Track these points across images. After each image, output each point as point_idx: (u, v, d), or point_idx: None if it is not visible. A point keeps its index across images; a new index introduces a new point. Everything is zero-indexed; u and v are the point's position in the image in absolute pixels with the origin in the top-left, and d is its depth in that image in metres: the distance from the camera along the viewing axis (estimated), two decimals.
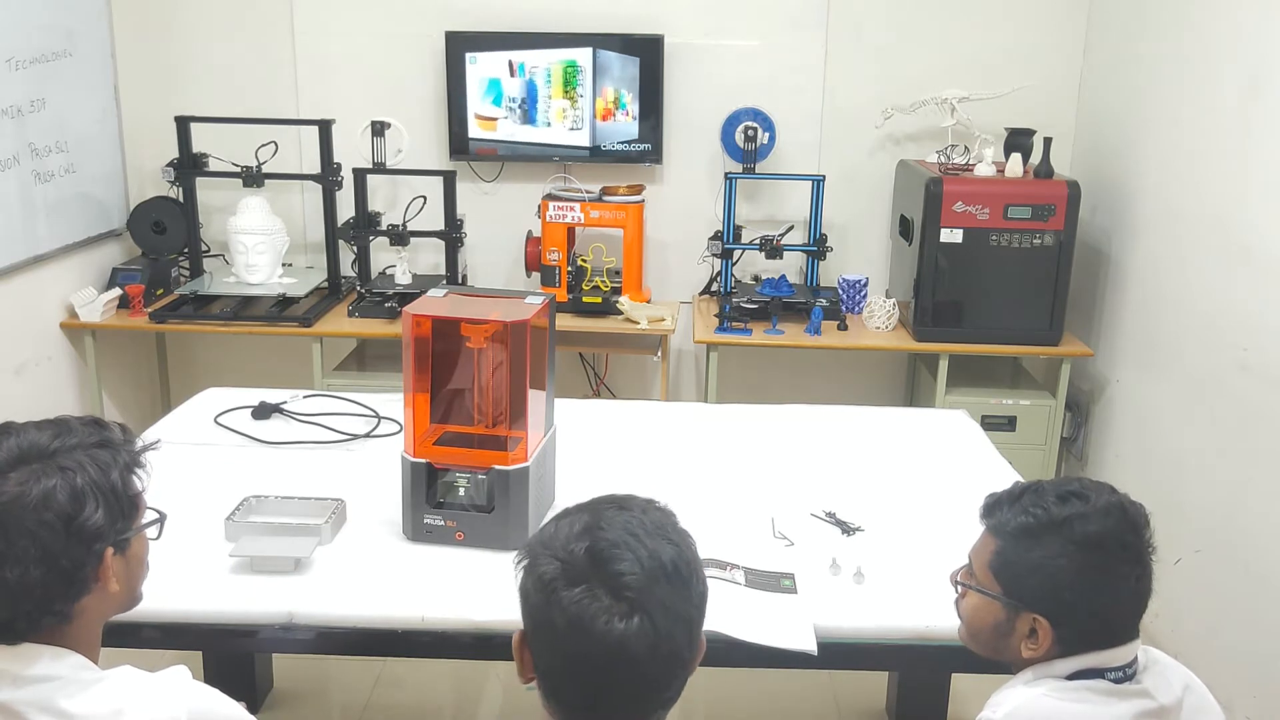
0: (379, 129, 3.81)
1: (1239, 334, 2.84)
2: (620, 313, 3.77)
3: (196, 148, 3.82)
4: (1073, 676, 1.41)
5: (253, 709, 1.40)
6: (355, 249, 3.85)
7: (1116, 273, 3.61)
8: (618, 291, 3.85)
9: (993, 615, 1.46)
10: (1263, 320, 2.74)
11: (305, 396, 2.73)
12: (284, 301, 3.80)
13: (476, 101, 3.96)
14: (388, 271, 4.00)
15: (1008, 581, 1.44)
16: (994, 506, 1.49)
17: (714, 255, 3.87)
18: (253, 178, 3.77)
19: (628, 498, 1.23)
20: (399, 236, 3.80)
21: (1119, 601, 1.40)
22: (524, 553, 1.19)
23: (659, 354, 3.86)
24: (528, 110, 3.95)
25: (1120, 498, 1.43)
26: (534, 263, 3.88)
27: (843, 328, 3.73)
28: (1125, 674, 1.41)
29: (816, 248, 3.88)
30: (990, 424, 3.54)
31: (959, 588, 1.53)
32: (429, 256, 4.15)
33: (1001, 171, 3.59)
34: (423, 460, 1.97)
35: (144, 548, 1.40)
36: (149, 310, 3.72)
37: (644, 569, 1.13)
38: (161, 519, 1.40)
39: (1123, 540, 1.39)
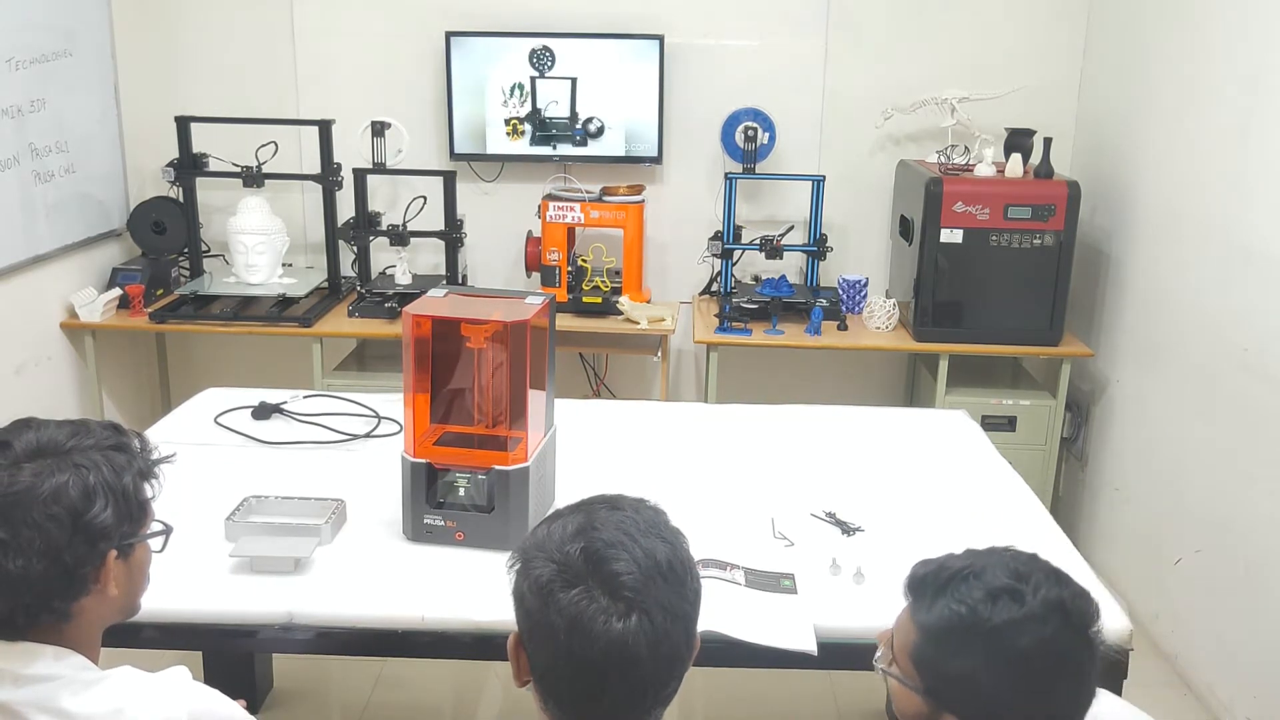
0: (379, 129, 3.81)
1: (1239, 334, 2.84)
2: (620, 313, 3.77)
3: (196, 148, 3.82)
4: None
5: (253, 709, 1.40)
6: (355, 249, 3.85)
7: (1116, 273, 3.61)
8: (618, 291, 3.85)
9: (915, 707, 1.29)
10: (1263, 320, 2.74)
11: (305, 396, 2.73)
12: (284, 301, 3.80)
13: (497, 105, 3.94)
14: (388, 271, 4.00)
15: (929, 680, 1.26)
16: (919, 586, 1.30)
17: (714, 255, 3.87)
18: (253, 178, 3.77)
19: (618, 497, 1.23)
20: (399, 236, 3.80)
21: (1056, 713, 1.23)
22: (517, 555, 1.19)
23: (659, 354, 3.86)
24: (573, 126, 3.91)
25: (1062, 592, 1.23)
26: (534, 263, 3.88)
27: (843, 328, 3.73)
28: None
29: (816, 248, 3.88)
30: (990, 424, 3.54)
31: (880, 670, 1.35)
32: (429, 256, 4.15)
33: (1001, 172, 3.59)
34: (423, 460, 1.97)
35: (147, 556, 1.40)
36: (149, 310, 3.72)
37: (640, 568, 1.13)
38: (167, 531, 1.40)
39: (1061, 653, 1.20)
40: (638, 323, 3.72)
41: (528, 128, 3.96)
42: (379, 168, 3.83)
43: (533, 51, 3.89)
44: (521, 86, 3.93)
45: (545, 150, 3.99)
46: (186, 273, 3.99)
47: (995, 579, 1.24)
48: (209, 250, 4.06)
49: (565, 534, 1.16)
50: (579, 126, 3.95)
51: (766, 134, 3.90)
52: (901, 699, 1.31)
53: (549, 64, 3.91)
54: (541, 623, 1.13)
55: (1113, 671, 1.69)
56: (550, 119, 3.96)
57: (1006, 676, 1.20)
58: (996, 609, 1.21)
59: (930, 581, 1.28)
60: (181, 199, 3.89)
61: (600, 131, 3.95)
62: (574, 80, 3.91)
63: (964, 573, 1.26)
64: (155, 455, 1.38)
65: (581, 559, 1.13)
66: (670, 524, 1.22)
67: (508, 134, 3.97)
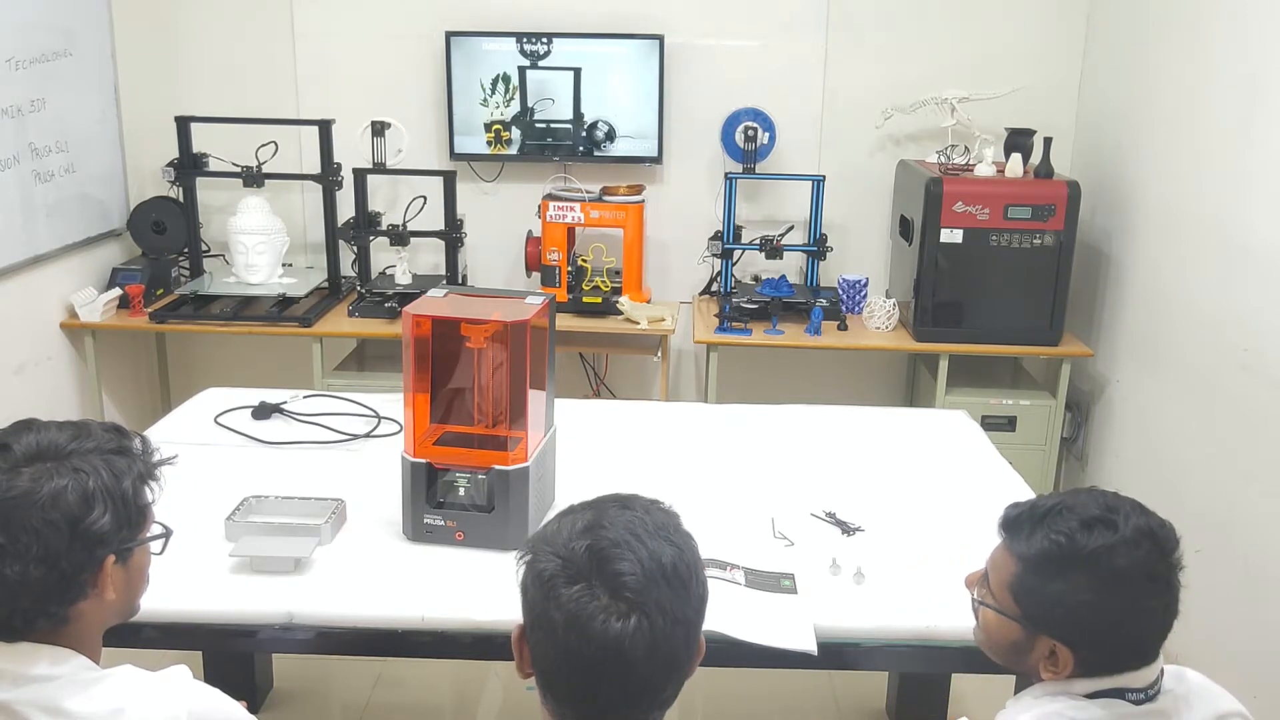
0: (379, 129, 3.81)
1: (1239, 334, 2.84)
2: (620, 313, 3.77)
3: (196, 148, 3.82)
4: (1091, 696, 1.36)
5: (253, 709, 1.40)
6: (355, 249, 3.85)
7: (1116, 273, 3.61)
8: (618, 291, 3.85)
9: (1011, 634, 1.41)
10: (1263, 320, 2.74)
11: (305, 396, 2.73)
12: (284, 301, 3.80)
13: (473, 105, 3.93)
14: (388, 271, 4.00)
15: (1028, 607, 1.38)
16: (1015, 524, 1.41)
17: (714, 255, 3.87)
18: (253, 178, 3.77)
19: (632, 497, 1.23)
20: (399, 236, 3.80)
21: (1145, 631, 1.35)
22: (526, 548, 1.19)
23: (659, 354, 3.86)
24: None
25: (1149, 520, 1.36)
26: (534, 263, 3.88)
27: (843, 328, 3.73)
28: (1147, 695, 1.36)
29: (816, 248, 3.88)
30: (990, 424, 3.54)
31: (975, 604, 1.48)
32: (429, 256, 4.15)
33: (1001, 171, 3.59)
34: (423, 460, 1.97)
35: (146, 560, 1.39)
36: (149, 310, 3.72)
37: (643, 569, 1.13)
38: (167, 534, 1.40)
39: (1152, 572, 1.33)
40: (638, 323, 3.72)
41: (516, 134, 3.97)
42: (379, 168, 3.83)
43: (525, 50, 3.90)
44: (506, 80, 3.93)
45: (544, 143, 3.99)
46: (186, 273, 3.99)
47: (1088, 511, 1.35)
48: (209, 250, 4.06)
49: (574, 530, 1.16)
50: (584, 134, 3.95)
51: (766, 134, 3.90)
52: (997, 630, 1.42)
53: (543, 54, 3.91)
54: (542, 617, 1.14)
55: None
56: (551, 123, 3.96)
57: (1102, 597, 1.32)
58: (1093, 536, 1.32)
59: (1026, 518, 1.39)
60: (181, 199, 3.89)
61: (610, 136, 3.94)
62: (577, 71, 3.91)
63: (1058, 508, 1.37)
64: (157, 458, 1.38)
65: (586, 556, 1.13)
66: (682, 528, 1.21)
67: (501, 139, 3.97)
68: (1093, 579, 1.32)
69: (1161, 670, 1.40)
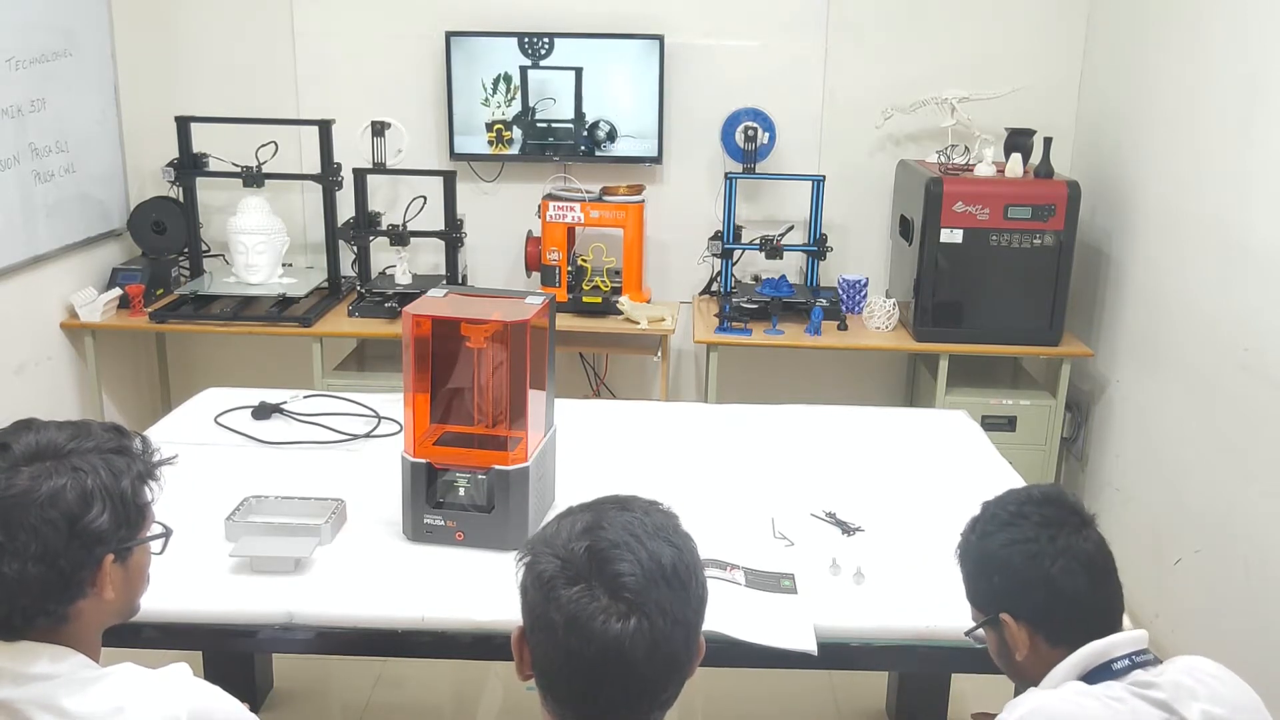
0: (379, 129, 3.81)
1: (1239, 334, 2.84)
2: (620, 313, 3.77)
3: (196, 148, 3.82)
4: (1086, 678, 1.39)
5: (253, 709, 1.40)
6: (355, 249, 3.85)
7: (1116, 273, 3.61)
8: (618, 291, 3.85)
9: (993, 641, 1.51)
10: (1263, 320, 2.74)
11: (305, 396, 2.73)
12: (284, 301, 3.80)
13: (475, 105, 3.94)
14: (388, 271, 4.00)
15: (974, 603, 1.53)
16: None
17: (714, 255, 3.87)
18: (253, 178, 3.77)
19: (631, 498, 1.23)
20: (399, 236, 3.80)
21: (1050, 567, 1.43)
22: (525, 550, 1.19)
23: (659, 354, 3.86)
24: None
25: (1027, 491, 1.52)
26: (534, 263, 3.88)
27: (843, 328, 3.73)
28: (1134, 661, 1.39)
29: (816, 248, 3.88)
30: (990, 424, 3.54)
31: (970, 635, 1.57)
32: (429, 256, 4.15)
33: (1001, 171, 3.59)
34: (423, 460, 1.97)
35: (146, 559, 1.40)
36: (149, 310, 3.72)
37: (643, 570, 1.13)
38: (167, 534, 1.40)
39: (1019, 512, 1.47)
40: (638, 323, 3.72)
41: (517, 134, 3.97)
42: (379, 168, 3.83)
43: (526, 44, 3.90)
44: (508, 80, 3.94)
45: (545, 143, 3.99)
46: (186, 273, 3.99)
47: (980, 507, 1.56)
48: (209, 250, 4.06)
49: (573, 531, 1.16)
50: (585, 134, 3.95)
51: (766, 134, 3.90)
52: (989, 646, 1.55)
53: (545, 54, 3.91)
54: (542, 618, 1.14)
55: None
56: (553, 122, 3.96)
57: (986, 552, 1.49)
58: (972, 519, 1.54)
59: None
60: (181, 199, 3.89)
61: (612, 136, 3.94)
62: (578, 71, 3.91)
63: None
64: (157, 457, 1.38)
65: (585, 557, 1.13)
66: (681, 529, 1.21)
67: (502, 139, 3.97)
68: (978, 541, 1.50)
69: (1155, 656, 1.42)
